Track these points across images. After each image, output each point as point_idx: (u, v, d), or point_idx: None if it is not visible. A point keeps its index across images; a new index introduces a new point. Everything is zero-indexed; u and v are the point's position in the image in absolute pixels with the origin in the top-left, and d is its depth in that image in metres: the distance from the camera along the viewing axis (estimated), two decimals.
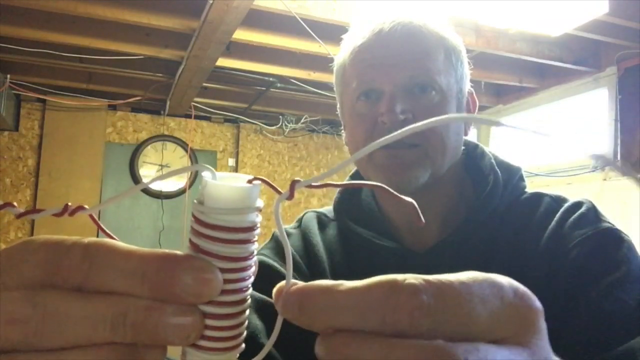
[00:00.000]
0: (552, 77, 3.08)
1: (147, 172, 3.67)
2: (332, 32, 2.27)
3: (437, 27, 0.70)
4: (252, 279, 0.26)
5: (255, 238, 0.26)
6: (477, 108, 0.77)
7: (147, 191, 3.65)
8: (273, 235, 0.80)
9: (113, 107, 3.58)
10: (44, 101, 3.42)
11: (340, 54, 0.75)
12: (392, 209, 0.75)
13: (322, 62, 2.78)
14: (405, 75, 0.67)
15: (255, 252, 0.26)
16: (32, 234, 3.34)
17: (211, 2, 1.99)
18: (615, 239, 0.64)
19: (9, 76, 3.03)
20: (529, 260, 0.65)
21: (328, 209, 0.83)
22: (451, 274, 0.24)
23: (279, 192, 0.25)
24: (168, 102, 3.44)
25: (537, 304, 0.26)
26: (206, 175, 0.25)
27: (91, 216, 0.27)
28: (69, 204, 0.26)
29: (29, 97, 3.33)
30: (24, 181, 3.42)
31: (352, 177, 0.82)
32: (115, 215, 3.57)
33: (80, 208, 0.26)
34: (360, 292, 0.24)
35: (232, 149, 3.92)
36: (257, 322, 0.63)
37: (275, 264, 0.72)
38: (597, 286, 0.59)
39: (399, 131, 0.24)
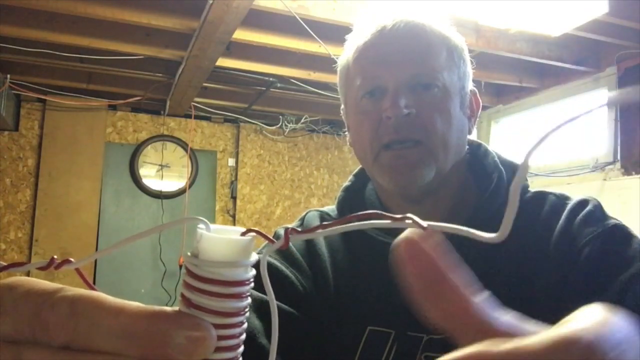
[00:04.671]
0: (552, 77, 3.08)
1: (147, 172, 3.67)
2: (332, 32, 2.27)
3: (439, 26, 0.71)
4: (243, 337, 0.25)
5: (248, 293, 0.25)
6: (480, 108, 0.77)
7: (147, 191, 3.65)
8: (275, 234, 0.80)
9: (113, 107, 3.58)
10: (44, 101, 3.42)
11: (344, 54, 0.76)
12: (396, 207, 0.75)
13: (322, 62, 2.78)
14: (408, 73, 0.67)
15: (247, 310, 0.25)
16: (32, 235, 3.35)
17: (211, 2, 1.99)
18: (624, 235, 0.64)
19: (9, 76, 3.03)
20: (537, 259, 0.66)
21: (331, 207, 0.83)
22: (524, 338, 0.20)
23: (271, 242, 0.25)
24: (168, 102, 3.44)
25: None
26: (201, 227, 0.25)
27: (77, 270, 0.26)
28: (55, 257, 0.25)
29: (29, 97, 3.33)
30: (24, 181, 3.42)
31: (356, 175, 0.82)
32: (115, 215, 3.57)
33: (66, 262, 0.25)
34: None
35: (232, 149, 3.92)
36: (256, 322, 0.63)
37: (276, 262, 0.72)
38: (613, 284, 0.59)
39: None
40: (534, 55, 2.69)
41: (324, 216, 0.81)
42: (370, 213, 0.24)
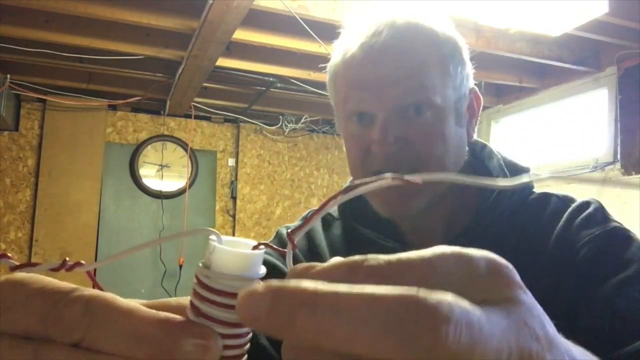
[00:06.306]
0: (552, 77, 3.08)
1: (147, 172, 3.67)
2: (332, 32, 2.26)
3: (435, 28, 0.67)
4: (248, 346, 0.26)
5: None
6: (481, 106, 0.75)
7: (147, 191, 3.65)
8: (277, 233, 0.81)
9: (113, 107, 3.58)
10: (44, 101, 3.41)
11: (334, 57, 0.73)
12: None
13: (322, 62, 2.77)
14: (398, 97, 0.64)
15: None
16: (32, 235, 3.35)
17: (211, 2, 1.99)
18: (623, 238, 0.64)
19: (9, 76, 3.03)
20: (537, 260, 0.65)
21: (333, 208, 0.82)
22: (416, 251, 0.23)
23: (282, 253, 0.26)
24: (168, 102, 3.44)
25: (515, 277, 0.24)
26: (213, 239, 0.25)
27: (88, 273, 0.27)
28: (67, 259, 0.25)
29: (29, 97, 3.33)
30: (24, 181, 3.42)
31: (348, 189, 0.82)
32: (116, 215, 3.57)
33: (77, 264, 0.25)
34: (324, 273, 0.23)
35: (232, 149, 3.92)
36: None
37: (278, 262, 0.72)
38: (607, 284, 0.59)
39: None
40: (534, 55, 2.69)
41: (325, 216, 0.81)
42: (349, 187, 0.26)
